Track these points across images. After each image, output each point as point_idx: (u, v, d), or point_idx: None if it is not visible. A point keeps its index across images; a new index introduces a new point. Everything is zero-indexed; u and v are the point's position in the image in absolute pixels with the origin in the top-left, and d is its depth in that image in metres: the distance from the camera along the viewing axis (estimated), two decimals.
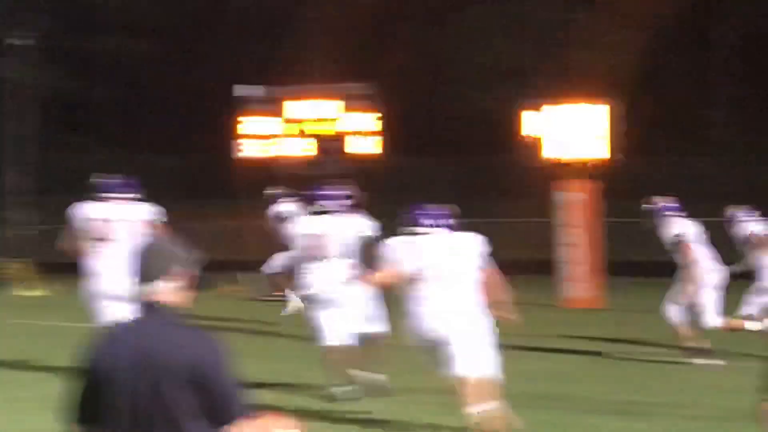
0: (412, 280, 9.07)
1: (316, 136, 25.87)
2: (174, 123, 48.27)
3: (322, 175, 18.14)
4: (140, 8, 46.68)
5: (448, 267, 9.11)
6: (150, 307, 4.21)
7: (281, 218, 17.87)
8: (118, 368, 4.11)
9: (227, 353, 4.17)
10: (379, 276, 9.35)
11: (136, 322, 4.24)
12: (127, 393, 4.09)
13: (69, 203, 11.90)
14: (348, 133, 25.89)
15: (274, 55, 40.99)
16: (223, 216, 29.68)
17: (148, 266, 4.23)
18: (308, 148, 25.85)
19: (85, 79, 47.51)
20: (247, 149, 25.99)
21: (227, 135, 26.69)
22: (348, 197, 11.59)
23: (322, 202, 11.27)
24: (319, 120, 25.92)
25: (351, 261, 10.94)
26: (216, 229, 28.60)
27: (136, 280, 4.24)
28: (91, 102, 50.10)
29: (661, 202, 14.03)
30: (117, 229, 11.36)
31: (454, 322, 9.00)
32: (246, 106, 25.83)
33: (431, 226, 9.25)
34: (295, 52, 41.34)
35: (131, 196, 11.71)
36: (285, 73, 31.95)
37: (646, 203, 14.11)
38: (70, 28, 46.68)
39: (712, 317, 13.55)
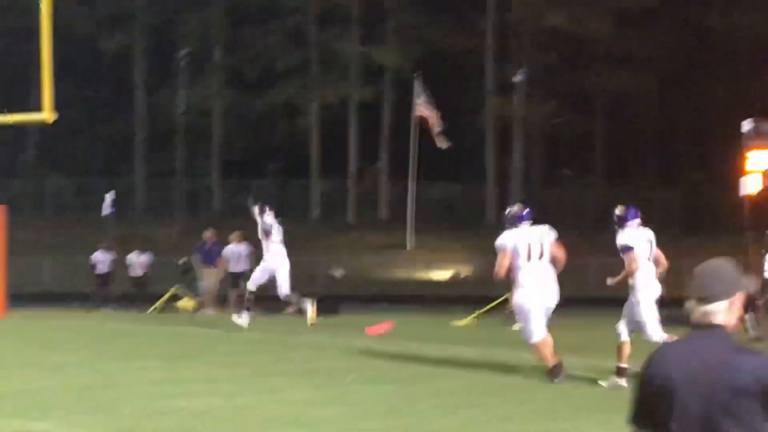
0: None
1: None
2: (671, 156, 48.01)
3: None
4: (635, 42, 46.80)
5: None
6: (708, 328, 4.27)
7: None
8: (678, 384, 4.19)
9: None
10: None
11: (694, 341, 4.30)
12: (686, 408, 4.17)
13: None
14: None
15: None
16: (727, 252, 28.98)
17: (711, 287, 4.28)
18: None
19: (579, 113, 48.30)
20: (753, 185, 25.37)
21: (731, 170, 26.22)
22: None
23: None
24: None
25: None
26: None
27: (699, 299, 4.29)
28: (583, 136, 50.80)
29: None
30: (533, 249, 13.09)
31: None
32: (753, 141, 25.24)
33: None
34: None
35: (533, 221, 13.42)
36: None
37: None
38: (568, 64, 47.74)
39: None
